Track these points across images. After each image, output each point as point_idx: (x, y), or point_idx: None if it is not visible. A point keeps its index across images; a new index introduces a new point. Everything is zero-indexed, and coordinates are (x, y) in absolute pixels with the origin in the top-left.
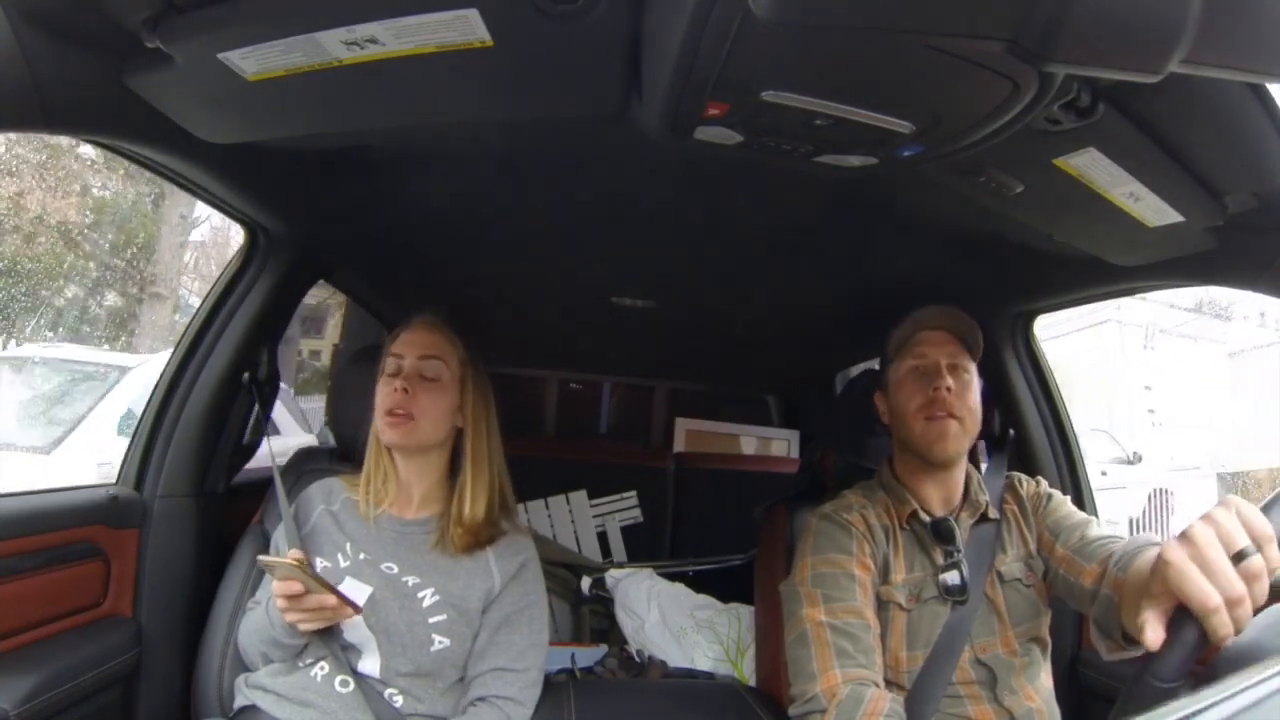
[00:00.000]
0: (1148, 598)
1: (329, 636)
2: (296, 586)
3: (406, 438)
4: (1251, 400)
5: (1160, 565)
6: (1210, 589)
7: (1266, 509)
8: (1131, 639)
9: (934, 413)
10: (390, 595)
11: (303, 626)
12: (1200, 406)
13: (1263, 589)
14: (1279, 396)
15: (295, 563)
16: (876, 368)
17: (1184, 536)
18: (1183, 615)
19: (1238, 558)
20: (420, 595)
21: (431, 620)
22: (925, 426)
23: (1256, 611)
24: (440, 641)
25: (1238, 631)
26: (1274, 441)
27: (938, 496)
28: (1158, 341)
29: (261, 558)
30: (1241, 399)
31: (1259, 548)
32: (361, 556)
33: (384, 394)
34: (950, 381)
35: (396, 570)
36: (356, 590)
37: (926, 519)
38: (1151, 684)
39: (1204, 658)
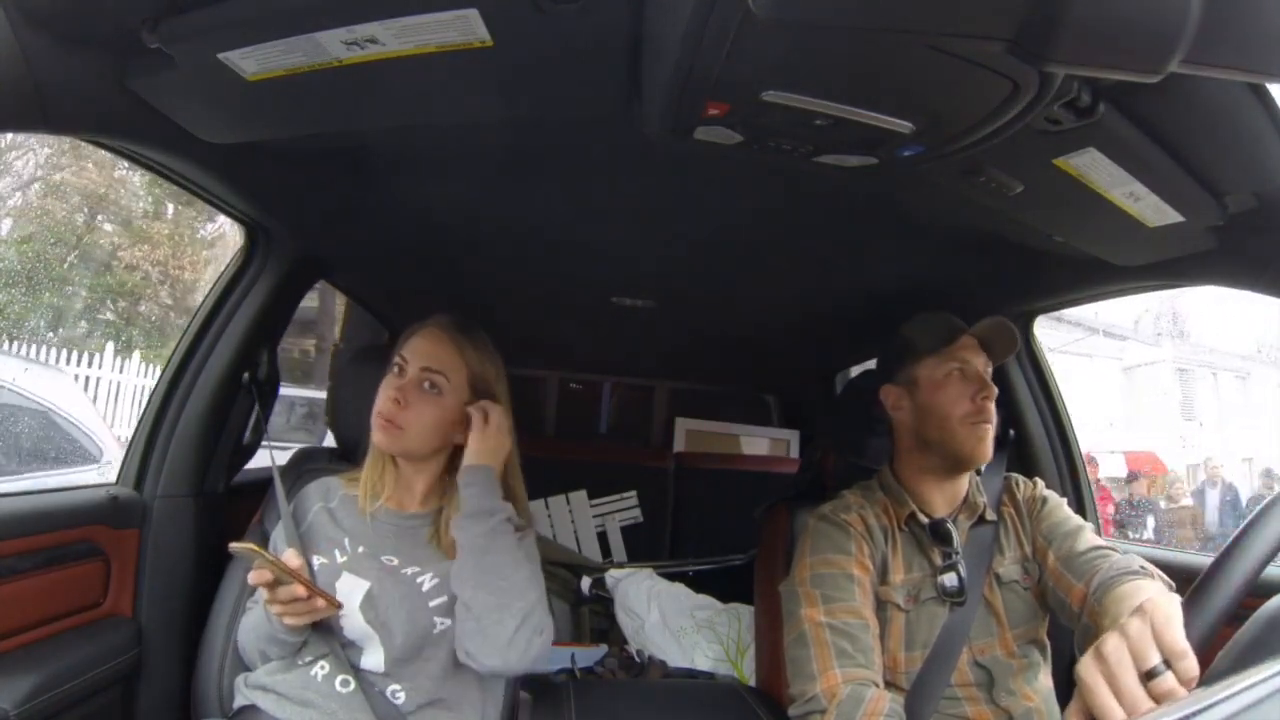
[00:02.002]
0: (1075, 697)
1: (329, 634)
2: (268, 575)
3: (391, 444)
4: (1141, 407)
5: (1076, 679)
6: (1115, 710)
7: (1187, 605)
8: None
9: (979, 420)
10: (391, 587)
11: (287, 620)
12: (1092, 414)
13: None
14: (1164, 404)
15: (256, 549)
16: (876, 365)
17: (1097, 651)
18: None
19: (1149, 675)
20: (419, 581)
21: (432, 604)
22: (970, 432)
23: None
24: (442, 623)
25: None
26: (1158, 443)
27: (943, 499)
28: (1051, 359)
29: (233, 545)
30: (1133, 406)
31: (1170, 664)
32: (360, 550)
33: (381, 395)
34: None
35: (397, 562)
36: (352, 586)
37: (924, 520)
38: None
39: (1204, 658)
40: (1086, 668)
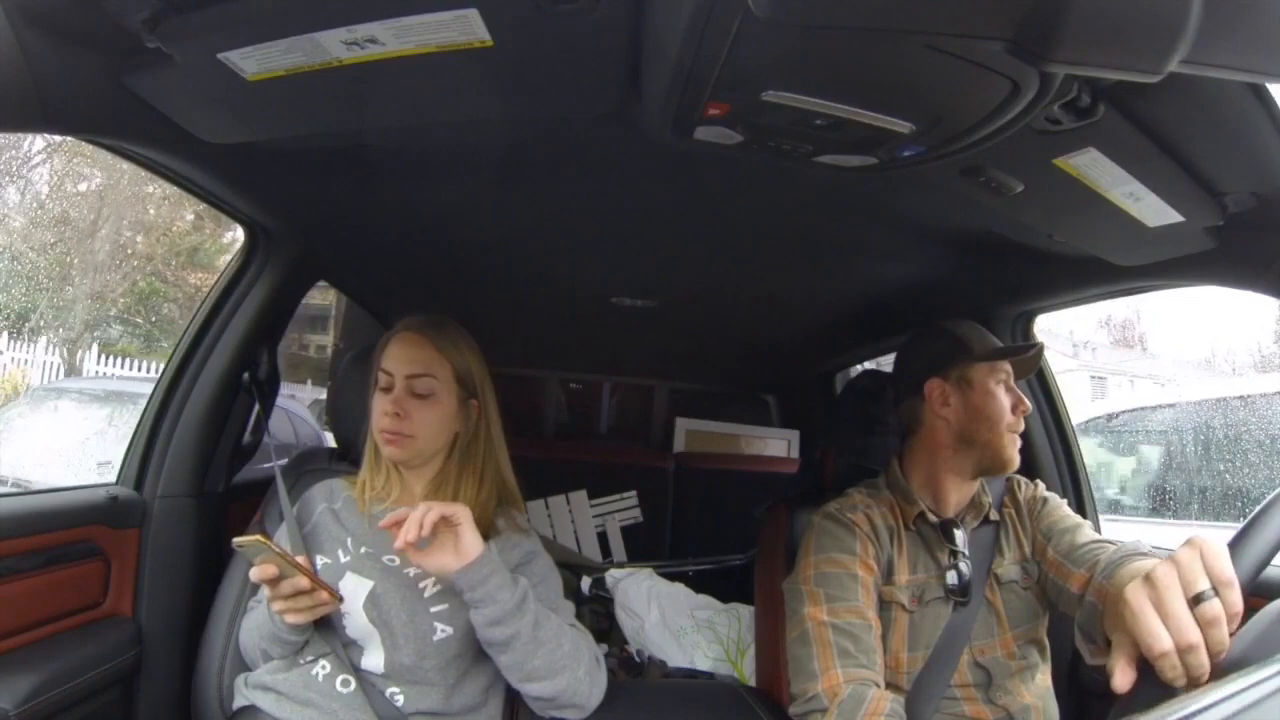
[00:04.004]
0: (1118, 635)
1: (330, 633)
2: (272, 570)
3: (404, 455)
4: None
5: (1121, 605)
6: (1161, 632)
7: (1233, 546)
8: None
9: (1017, 430)
10: (392, 588)
11: (289, 618)
12: None
13: (1219, 635)
14: (1077, 408)
15: (263, 540)
16: (876, 367)
17: (1147, 578)
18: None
19: (1196, 600)
20: (422, 585)
21: (434, 609)
22: (1010, 440)
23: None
24: (443, 630)
25: (1194, 678)
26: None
27: (956, 499)
28: None
29: (236, 540)
30: None
31: (1217, 592)
32: (363, 551)
33: (377, 413)
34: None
35: (399, 563)
36: (356, 585)
37: (934, 520)
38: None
39: None
40: (1134, 591)
